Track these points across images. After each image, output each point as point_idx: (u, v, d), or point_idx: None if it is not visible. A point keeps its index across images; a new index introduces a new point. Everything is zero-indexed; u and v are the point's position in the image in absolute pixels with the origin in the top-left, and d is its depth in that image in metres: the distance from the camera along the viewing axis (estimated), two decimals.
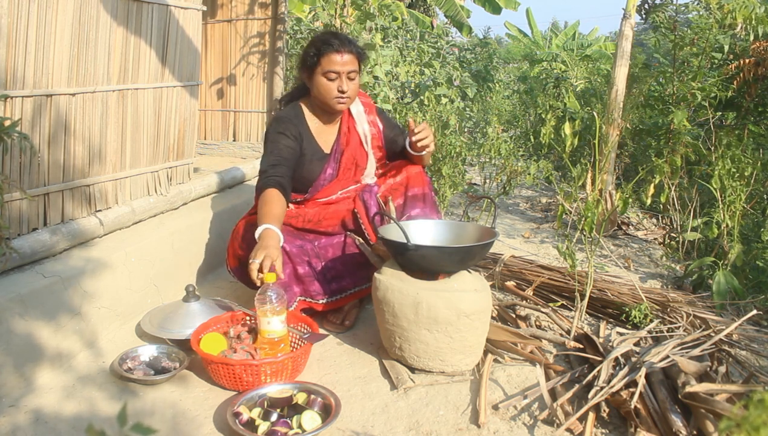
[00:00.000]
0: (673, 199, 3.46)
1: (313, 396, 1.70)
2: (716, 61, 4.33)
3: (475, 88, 6.39)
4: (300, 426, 1.58)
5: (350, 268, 2.28)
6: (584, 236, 2.28)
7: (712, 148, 3.28)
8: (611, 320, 2.33)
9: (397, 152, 2.48)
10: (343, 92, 2.21)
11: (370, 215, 2.24)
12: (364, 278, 2.28)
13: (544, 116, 4.70)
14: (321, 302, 2.24)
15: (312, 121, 2.35)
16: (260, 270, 1.85)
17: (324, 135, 2.37)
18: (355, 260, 2.27)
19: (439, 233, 2.09)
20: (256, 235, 1.98)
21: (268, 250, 1.88)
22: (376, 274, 1.97)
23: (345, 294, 2.28)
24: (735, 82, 4.00)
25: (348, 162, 2.36)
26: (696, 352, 1.81)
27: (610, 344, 1.99)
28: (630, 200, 2.85)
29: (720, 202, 2.87)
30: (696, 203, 3.29)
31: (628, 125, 3.89)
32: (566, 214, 3.07)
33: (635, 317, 2.21)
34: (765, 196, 3.30)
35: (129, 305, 2.19)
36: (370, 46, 4.04)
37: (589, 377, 1.75)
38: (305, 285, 2.21)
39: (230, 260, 2.30)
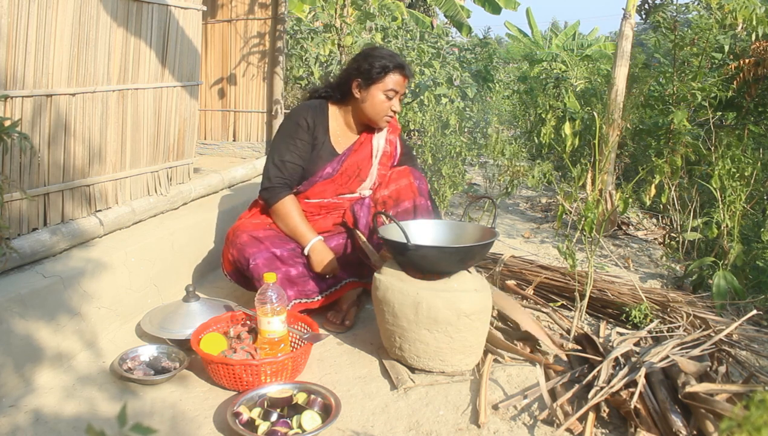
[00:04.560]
0: (673, 199, 3.46)
1: (313, 396, 1.70)
2: (716, 61, 4.33)
3: (475, 88, 6.39)
4: (300, 426, 1.58)
5: (345, 264, 2.29)
6: (584, 236, 2.28)
7: (712, 148, 3.27)
8: (611, 320, 2.33)
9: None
10: (395, 112, 2.27)
11: (359, 226, 2.26)
12: (359, 273, 2.30)
13: (544, 116, 4.70)
14: (317, 298, 2.25)
15: (334, 121, 2.35)
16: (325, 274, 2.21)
17: (341, 137, 2.36)
18: (352, 257, 2.29)
19: (439, 233, 2.09)
20: (306, 253, 2.22)
21: (325, 263, 2.20)
22: (376, 274, 1.97)
23: (340, 285, 2.29)
24: (735, 82, 4.00)
25: (350, 167, 2.34)
26: (696, 352, 1.81)
27: (610, 344, 1.99)
28: (630, 200, 2.84)
29: (720, 202, 2.87)
30: (696, 203, 3.29)
31: (628, 125, 3.88)
32: (566, 214, 3.07)
33: (635, 317, 2.21)
34: (765, 196, 3.30)
35: (129, 305, 2.19)
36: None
37: (589, 377, 1.75)
38: (299, 286, 2.22)
39: (225, 263, 2.31)
